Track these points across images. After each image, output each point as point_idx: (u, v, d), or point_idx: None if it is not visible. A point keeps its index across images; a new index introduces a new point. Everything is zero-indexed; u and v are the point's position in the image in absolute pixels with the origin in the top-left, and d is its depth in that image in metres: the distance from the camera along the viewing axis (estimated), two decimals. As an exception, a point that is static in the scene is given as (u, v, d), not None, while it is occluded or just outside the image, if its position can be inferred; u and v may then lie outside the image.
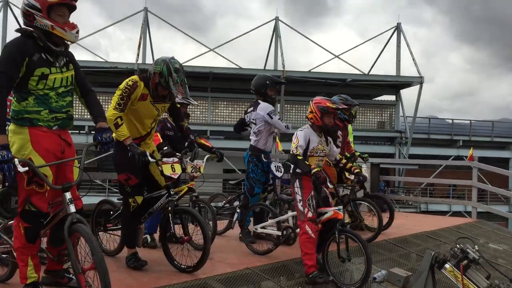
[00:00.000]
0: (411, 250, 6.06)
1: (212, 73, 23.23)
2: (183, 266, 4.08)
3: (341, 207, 4.53)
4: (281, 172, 5.74)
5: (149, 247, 5.01)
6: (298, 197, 4.55)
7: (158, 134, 5.12)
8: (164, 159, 4.25)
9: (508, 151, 28.97)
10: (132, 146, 3.92)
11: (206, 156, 5.54)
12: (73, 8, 3.15)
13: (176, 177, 4.19)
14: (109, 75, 23.12)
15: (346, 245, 4.40)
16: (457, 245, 4.51)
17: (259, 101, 5.68)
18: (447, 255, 4.60)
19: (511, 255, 7.21)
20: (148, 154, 3.95)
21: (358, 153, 6.93)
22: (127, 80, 4.08)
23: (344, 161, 5.11)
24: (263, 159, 5.64)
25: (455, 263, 4.39)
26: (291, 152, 4.50)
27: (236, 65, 24.12)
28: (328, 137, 4.77)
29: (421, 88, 24.20)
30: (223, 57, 25.77)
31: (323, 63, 26.03)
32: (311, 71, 25.01)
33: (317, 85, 24.61)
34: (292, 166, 4.68)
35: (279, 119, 5.71)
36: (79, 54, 27.42)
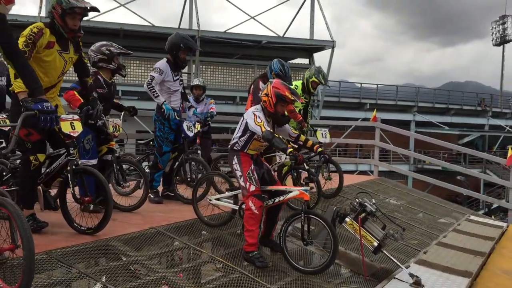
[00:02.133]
0: (317, 207, 6.30)
1: (123, 30, 22.13)
2: (83, 228, 3.92)
3: (307, 187, 4.25)
4: (192, 132, 5.69)
5: (95, 212, 4.57)
6: (238, 173, 4.30)
7: (76, 93, 4.70)
8: (63, 116, 3.93)
9: (410, 114, 30.96)
10: (25, 101, 3.61)
11: (122, 114, 5.38)
12: None
13: (76, 135, 3.92)
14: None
15: (308, 228, 4.23)
16: (356, 199, 4.74)
17: (162, 62, 5.66)
18: (347, 210, 4.84)
19: (407, 209, 7.78)
20: None
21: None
22: (31, 26, 3.79)
23: (303, 138, 4.66)
24: (173, 118, 5.55)
25: (354, 216, 4.63)
26: (262, 130, 4.11)
27: (149, 22, 23.18)
28: (275, 124, 4.47)
29: (332, 52, 24.84)
30: (135, 13, 24.59)
31: (239, 24, 25.79)
32: (227, 31, 24.69)
33: (233, 46, 24.40)
34: (231, 143, 4.41)
35: (148, 85, 5.54)
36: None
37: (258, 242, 4.26)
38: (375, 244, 4.52)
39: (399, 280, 4.60)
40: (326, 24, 24.68)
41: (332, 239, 4.06)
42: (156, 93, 5.50)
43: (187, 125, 5.67)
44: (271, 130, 4.18)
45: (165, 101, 5.52)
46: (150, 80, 5.52)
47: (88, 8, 3.93)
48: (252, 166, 4.31)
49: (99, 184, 3.96)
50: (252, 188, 4.21)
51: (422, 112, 31.12)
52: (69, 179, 3.87)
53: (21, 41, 3.71)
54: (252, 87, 5.99)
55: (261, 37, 24.63)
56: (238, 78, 24.76)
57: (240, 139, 4.35)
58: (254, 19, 25.29)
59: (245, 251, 4.23)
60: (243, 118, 4.37)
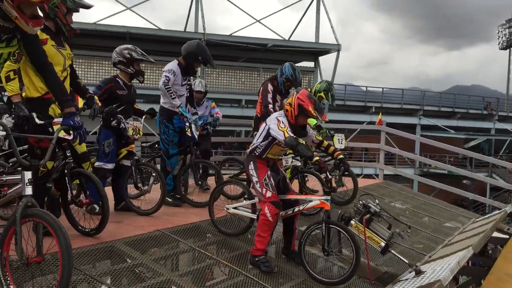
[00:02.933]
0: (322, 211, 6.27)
1: (129, 33, 22.23)
2: (87, 230, 3.92)
3: (329, 197, 4.15)
4: (196, 134, 5.70)
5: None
6: (254, 179, 4.25)
7: (96, 98, 4.71)
8: (56, 119, 3.82)
9: (415, 117, 30.84)
10: (18, 107, 3.61)
11: (143, 118, 5.37)
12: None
13: (70, 138, 3.90)
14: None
15: (329, 238, 4.12)
16: (360, 201, 4.73)
17: (173, 63, 5.62)
18: (352, 212, 4.82)
19: (412, 213, 7.74)
20: (35, 116, 3.63)
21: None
22: None
23: (325, 143, 4.61)
24: (178, 120, 5.56)
25: (358, 218, 4.61)
26: (285, 136, 4.03)
27: (155, 25, 23.28)
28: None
29: (338, 55, 24.85)
30: (141, 16, 24.74)
31: (244, 27, 25.91)
32: (232, 35, 24.74)
33: (238, 49, 24.44)
34: (251, 148, 4.37)
35: (165, 86, 5.51)
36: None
37: (266, 248, 4.24)
38: (382, 244, 4.48)
39: (404, 279, 4.58)
40: (331, 27, 24.71)
41: (354, 249, 3.99)
42: (173, 95, 5.49)
43: (193, 128, 5.66)
44: (295, 136, 4.08)
45: (181, 103, 5.51)
46: (166, 81, 5.48)
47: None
48: (269, 172, 4.26)
49: (95, 186, 3.90)
50: (269, 194, 4.15)
51: (428, 116, 30.98)
52: (67, 181, 3.84)
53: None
54: (261, 89, 6.00)
55: (267, 40, 24.66)
56: (244, 81, 24.78)
57: (261, 144, 4.30)
58: (260, 22, 25.37)
59: (252, 254, 4.22)
60: (265, 124, 4.31)
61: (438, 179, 12.24)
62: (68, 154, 3.89)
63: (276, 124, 4.12)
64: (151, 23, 23.70)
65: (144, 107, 5.95)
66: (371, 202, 4.68)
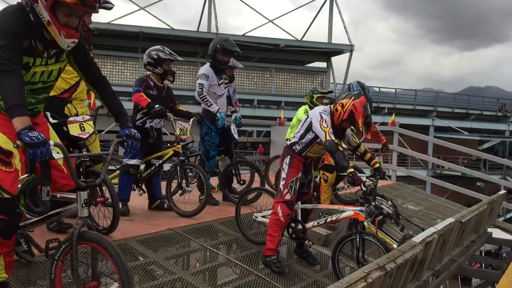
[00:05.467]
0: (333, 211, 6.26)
1: (142, 33, 22.37)
2: (100, 228, 3.95)
3: (363, 208, 4.01)
4: (237, 134, 5.76)
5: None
6: (283, 174, 4.12)
7: (142, 94, 4.84)
8: (70, 118, 3.86)
9: (429, 118, 30.59)
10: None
11: (191, 120, 5.36)
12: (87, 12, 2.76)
13: (86, 136, 3.87)
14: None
15: (363, 249, 3.98)
16: (372, 202, 4.69)
17: (205, 67, 5.62)
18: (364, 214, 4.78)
19: (425, 215, 7.67)
20: (49, 115, 3.63)
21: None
22: None
23: (362, 149, 4.40)
24: (224, 125, 5.57)
25: (371, 220, 4.58)
26: (326, 138, 3.85)
27: (168, 25, 23.38)
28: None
29: (351, 56, 24.76)
30: (154, 16, 24.87)
31: (257, 28, 25.92)
32: (245, 35, 24.76)
33: (251, 50, 24.47)
34: (291, 142, 4.22)
35: (199, 95, 5.50)
36: (-4, 6, 25.24)
37: (277, 248, 4.21)
38: (395, 246, 4.45)
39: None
40: (344, 27, 24.63)
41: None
42: (209, 102, 5.46)
43: (232, 128, 5.71)
44: (336, 140, 3.91)
45: (219, 109, 5.50)
46: (200, 90, 5.47)
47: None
48: (299, 175, 4.14)
49: (105, 185, 3.82)
50: (288, 196, 4.08)
51: (441, 117, 30.71)
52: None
53: None
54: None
55: (279, 40, 24.65)
56: (256, 81, 24.80)
57: (301, 141, 4.13)
58: (273, 22, 25.35)
59: (264, 254, 4.20)
60: (307, 116, 4.16)
61: (451, 181, 12.12)
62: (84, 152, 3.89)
63: (319, 122, 3.93)
64: (164, 23, 23.80)
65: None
66: (384, 203, 4.64)
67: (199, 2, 25.14)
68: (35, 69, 2.57)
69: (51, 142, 2.34)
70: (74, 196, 2.58)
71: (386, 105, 29.29)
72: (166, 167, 5.53)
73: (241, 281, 3.86)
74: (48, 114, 3.65)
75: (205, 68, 5.62)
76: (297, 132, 4.21)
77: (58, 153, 2.36)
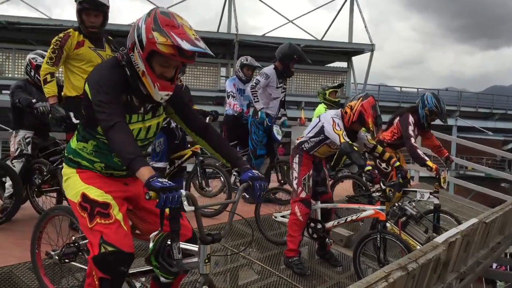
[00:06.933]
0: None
1: (163, 35, 22.51)
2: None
3: (384, 207, 3.92)
4: (280, 135, 5.84)
5: None
6: (295, 174, 4.19)
7: None
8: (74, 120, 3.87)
9: (452, 118, 30.09)
10: (54, 108, 3.74)
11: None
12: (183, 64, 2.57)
13: None
14: (53, 34, 21.94)
15: (385, 248, 3.95)
16: (396, 203, 4.63)
17: (269, 68, 5.79)
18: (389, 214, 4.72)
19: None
20: (72, 116, 3.71)
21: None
22: (59, 34, 3.93)
23: (379, 149, 4.32)
24: (269, 121, 5.67)
25: (394, 221, 4.53)
26: (340, 140, 3.88)
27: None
28: None
29: (372, 55, 24.52)
30: (175, 18, 24.90)
31: (277, 28, 25.90)
32: (265, 35, 24.75)
33: (271, 50, 24.39)
34: (300, 141, 4.29)
35: (251, 89, 5.62)
36: (19, 9, 25.81)
37: (299, 248, 4.20)
38: (418, 248, 4.39)
39: None
40: (365, 27, 24.43)
41: None
42: (257, 98, 5.59)
43: (276, 129, 5.78)
44: (350, 142, 3.93)
45: (262, 107, 5.59)
46: (254, 84, 5.62)
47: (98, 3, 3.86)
48: (311, 172, 4.18)
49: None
50: (303, 194, 4.11)
51: (464, 117, 30.17)
52: None
53: (49, 49, 3.86)
54: (398, 118, 5.56)
55: (299, 40, 24.52)
56: (276, 82, 24.72)
57: (310, 140, 4.22)
58: (293, 22, 25.30)
59: (286, 256, 4.20)
60: (319, 120, 4.21)
61: (475, 182, 11.91)
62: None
63: (332, 125, 3.97)
64: (184, 24, 23.91)
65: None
66: (407, 204, 4.58)
67: (219, 2, 25.27)
68: (132, 126, 2.37)
69: (182, 192, 2.09)
70: (196, 249, 2.30)
71: (407, 105, 28.92)
72: (190, 167, 5.54)
73: (262, 282, 3.85)
74: (71, 114, 3.71)
75: (269, 69, 5.78)
76: (307, 133, 4.27)
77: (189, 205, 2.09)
